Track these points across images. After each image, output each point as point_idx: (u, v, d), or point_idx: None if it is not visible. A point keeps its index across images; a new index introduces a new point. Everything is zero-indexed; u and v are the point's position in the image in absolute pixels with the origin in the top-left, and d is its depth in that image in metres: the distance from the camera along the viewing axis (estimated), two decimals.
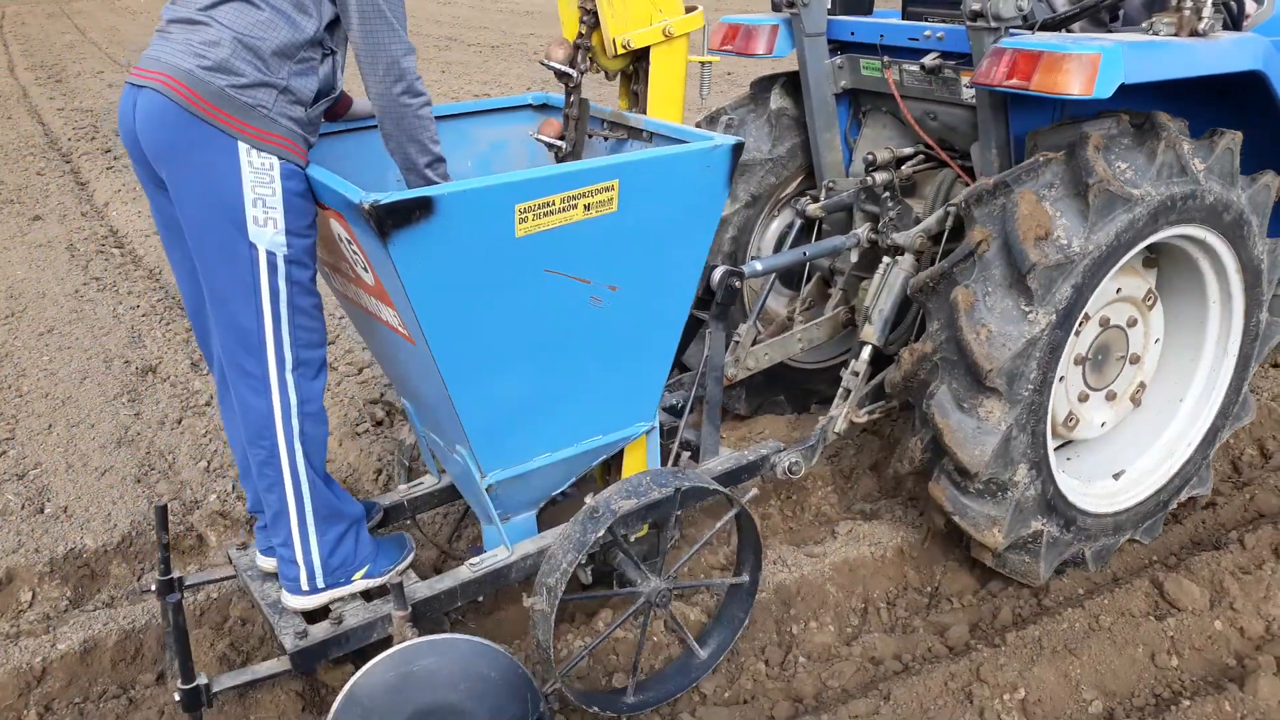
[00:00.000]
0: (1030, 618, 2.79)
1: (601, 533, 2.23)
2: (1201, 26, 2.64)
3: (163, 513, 2.41)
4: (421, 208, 1.86)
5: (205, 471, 3.54)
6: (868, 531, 3.06)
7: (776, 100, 3.44)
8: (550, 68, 2.49)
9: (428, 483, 2.82)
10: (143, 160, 2.08)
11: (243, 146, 1.96)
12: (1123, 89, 2.39)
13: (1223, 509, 3.27)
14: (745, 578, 2.56)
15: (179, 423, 3.87)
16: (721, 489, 2.46)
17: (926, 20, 3.15)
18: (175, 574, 2.45)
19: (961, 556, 3.06)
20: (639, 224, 2.19)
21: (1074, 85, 2.40)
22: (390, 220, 1.84)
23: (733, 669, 2.66)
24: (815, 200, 3.27)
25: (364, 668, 2.00)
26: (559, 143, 2.55)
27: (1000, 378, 2.51)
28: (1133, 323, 2.95)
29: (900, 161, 3.19)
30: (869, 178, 3.13)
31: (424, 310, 1.99)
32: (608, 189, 2.10)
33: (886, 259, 2.99)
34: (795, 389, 3.74)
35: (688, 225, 2.30)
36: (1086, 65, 2.40)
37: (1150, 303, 2.96)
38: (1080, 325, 2.75)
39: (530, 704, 2.13)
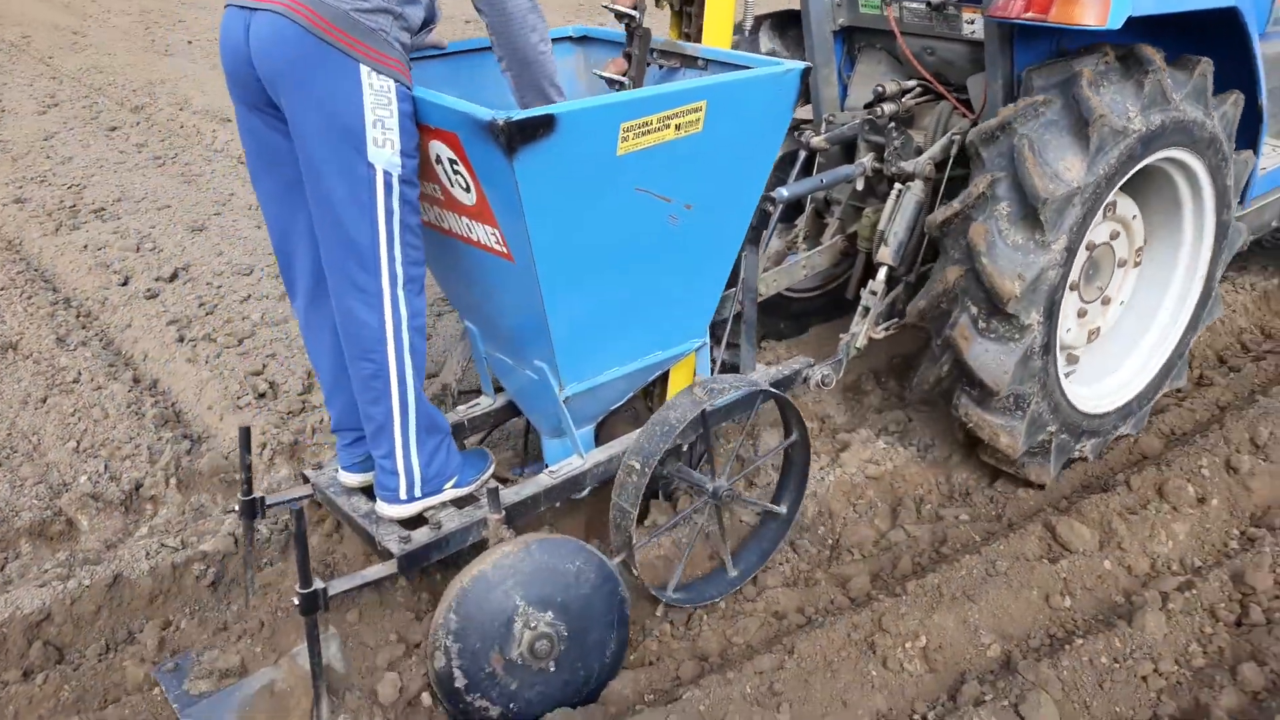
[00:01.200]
0: (929, 566, 2.82)
1: (761, 387, 2.66)
2: None
3: (246, 434, 2.54)
4: (545, 125, 1.99)
5: (74, 452, 3.33)
6: None
7: (766, 42, 3.54)
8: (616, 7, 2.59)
9: (484, 403, 2.89)
10: (248, 83, 2.10)
11: (364, 69, 2.00)
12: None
13: (1110, 453, 3.36)
14: (794, 436, 2.78)
15: (44, 402, 3.63)
16: (788, 397, 2.76)
17: None
18: (256, 495, 2.57)
19: (862, 509, 3.08)
20: (718, 145, 2.33)
21: (1089, 17, 2.58)
22: (519, 136, 1.96)
23: (637, 632, 2.63)
24: (816, 134, 3.34)
25: (471, 565, 2.19)
26: (622, 79, 2.62)
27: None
28: (1122, 263, 3.24)
29: (902, 94, 3.29)
30: (877, 109, 3.20)
31: (535, 225, 2.11)
32: (696, 110, 2.24)
33: (898, 185, 3.11)
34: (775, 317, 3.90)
35: (757, 147, 2.47)
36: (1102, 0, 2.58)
37: (1138, 259, 3.28)
38: (1107, 211, 3.01)
39: (617, 594, 2.37)
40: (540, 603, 2.24)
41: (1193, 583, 2.65)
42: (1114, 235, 3.15)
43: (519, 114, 1.95)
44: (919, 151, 3.19)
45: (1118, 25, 2.57)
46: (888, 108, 3.21)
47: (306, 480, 2.66)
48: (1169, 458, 3.15)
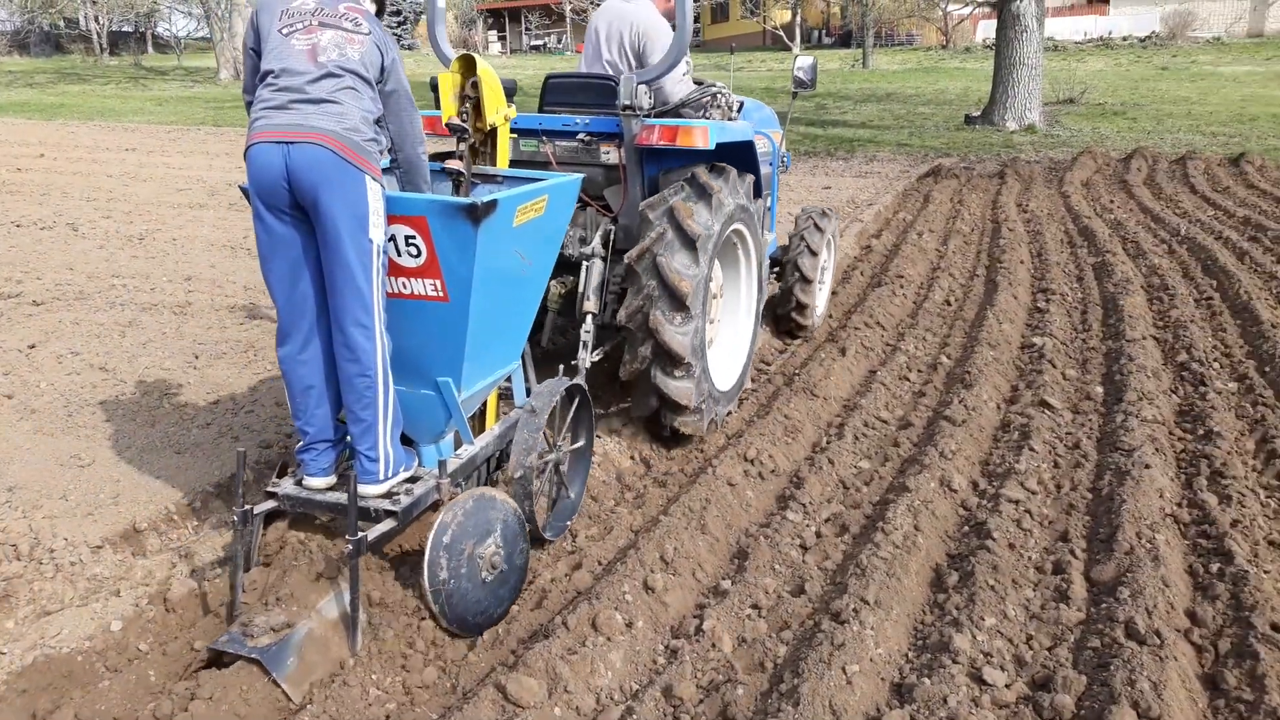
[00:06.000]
0: None
1: (569, 384, 3.90)
2: (732, 116, 5.25)
3: (243, 457, 3.33)
4: (493, 206, 3.10)
5: None
6: None
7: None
8: (456, 127, 3.80)
9: None
10: (278, 193, 3.02)
11: (368, 178, 3.04)
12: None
13: (550, 595, 3.51)
14: (583, 441, 4.14)
15: None
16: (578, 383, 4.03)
17: (560, 112, 4.87)
18: (246, 507, 3.26)
19: None
20: (547, 223, 3.58)
21: (699, 142, 4.40)
22: (484, 213, 3.07)
23: None
24: None
25: (442, 513, 3.20)
26: (461, 172, 3.79)
27: (706, 243, 4.46)
28: (715, 296, 5.05)
29: None
30: None
31: (478, 272, 3.18)
32: (543, 200, 3.48)
33: (585, 263, 4.64)
34: None
35: (559, 227, 3.75)
36: (704, 131, 4.40)
37: (722, 294, 5.25)
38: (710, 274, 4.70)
39: (521, 523, 3.50)
40: (486, 532, 3.32)
41: (632, 709, 2.82)
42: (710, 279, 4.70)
43: (485, 199, 3.08)
44: (582, 240, 4.74)
45: (713, 147, 4.42)
46: None
47: (272, 495, 3.35)
48: (598, 590, 3.36)
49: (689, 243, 4.36)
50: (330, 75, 3.07)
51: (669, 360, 4.42)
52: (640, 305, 4.41)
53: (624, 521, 4.06)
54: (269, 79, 3.09)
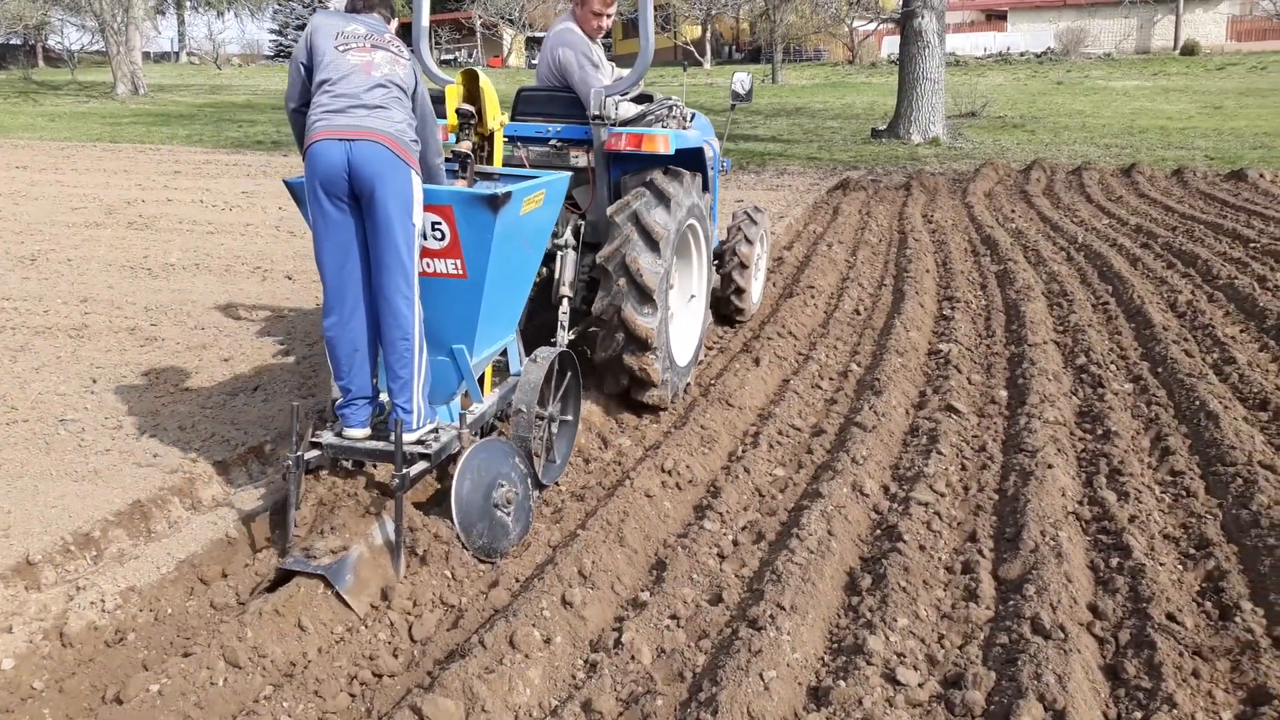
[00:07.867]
0: None
1: (560, 350, 4.51)
2: (687, 126, 5.81)
3: (296, 409, 3.77)
4: (508, 197, 3.73)
5: None
6: None
7: None
8: (464, 113, 4.41)
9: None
10: (338, 183, 3.59)
11: (412, 172, 3.65)
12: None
13: (467, 614, 3.47)
14: (570, 372, 4.64)
15: None
16: (569, 351, 4.69)
17: (533, 121, 5.37)
18: (300, 454, 3.79)
19: None
20: (543, 213, 4.22)
21: (661, 148, 4.99)
22: (501, 202, 3.69)
23: None
24: None
25: (463, 457, 3.78)
26: (469, 154, 4.41)
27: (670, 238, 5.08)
28: (670, 286, 5.36)
29: None
30: None
31: (494, 252, 3.80)
32: (542, 194, 4.11)
33: (560, 253, 5.08)
34: None
35: (550, 217, 4.38)
36: (665, 139, 5.00)
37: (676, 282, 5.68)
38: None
39: (524, 466, 4.08)
40: (496, 471, 3.88)
41: None
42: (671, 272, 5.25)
43: (502, 190, 3.69)
44: (555, 234, 4.97)
45: (672, 152, 5.02)
46: None
47: (317, 445, 3.86)
48: (515, 607, 3.32)
49: (653, 244, 4.93)
50: (381, 86, 3.66)
51: (639, 346, 5.01)
52: (611, 300, 4.97)
53: (542, 537, 4.04)
54: (326, 86, 3.65)
